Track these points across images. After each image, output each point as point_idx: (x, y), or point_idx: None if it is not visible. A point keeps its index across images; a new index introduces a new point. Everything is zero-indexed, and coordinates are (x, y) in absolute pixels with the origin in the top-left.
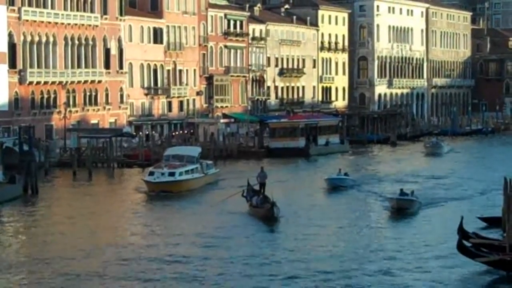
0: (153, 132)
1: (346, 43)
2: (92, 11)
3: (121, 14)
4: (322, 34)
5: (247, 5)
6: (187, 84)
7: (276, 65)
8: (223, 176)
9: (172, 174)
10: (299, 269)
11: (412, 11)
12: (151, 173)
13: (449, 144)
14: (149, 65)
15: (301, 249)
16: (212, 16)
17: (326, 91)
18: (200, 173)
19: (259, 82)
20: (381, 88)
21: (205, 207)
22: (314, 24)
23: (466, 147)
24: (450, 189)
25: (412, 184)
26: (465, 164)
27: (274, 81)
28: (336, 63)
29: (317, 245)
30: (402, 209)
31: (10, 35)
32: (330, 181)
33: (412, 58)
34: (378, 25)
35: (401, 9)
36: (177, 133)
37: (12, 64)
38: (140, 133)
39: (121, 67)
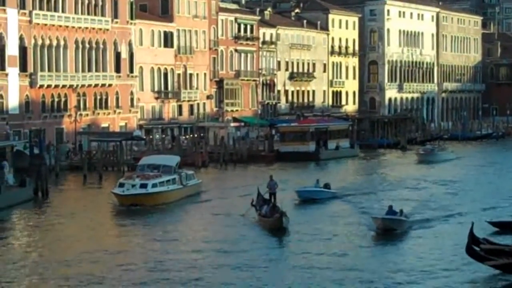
0: (181, 135)
1: (357, 47)
2: (103, 14)
3: (131, 18)
4: (333, 38)
5: (258, 9)
6: (197, 88)
7: (287, 69)
8: (209, 187)
9: (144, 185)
10: None
11: (422, 15)
12: (121, 185)
13: (454, 151)
14: (159, 69)
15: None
16: (222, 20)
17: (336, 95)
18: (178, 184)
19: (269, 86)
20: (391, 93)
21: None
22: (325, 28)
23: (475, 152)
24: (447, 201)
25: (407, 192)
26: (469, 171)
27: (284, 85)
28: (347, 67)
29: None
30: (389, 229)
31: (21, 39)
32: (300, 194)
33: (423, 63)
34: (388, 29)
35: (411, 14)
36: (186, 136)
37: (23, 68)
38: (164, 135)
39: (131, 70)
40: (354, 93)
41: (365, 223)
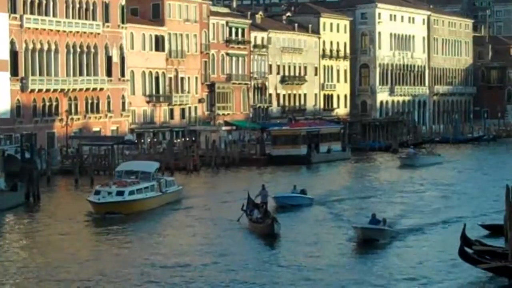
0: (177, 139)
1: (348, 51)
2: (94, 19)
3: (122, 22)
4: (324, 42)
5: (249, 13)
6: (189, 92)
7: (278, 73)
8: (198, 192)
9: (120, 193)
10: None
11: (413, 18)
12: (97, 192)
13: (441, 154)
14: (150, 73)
15: None
16: (214, 24)
17: (328, 98)
18: (156, 191)
19: (261, 89)
20: (382, 96)
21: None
22: (316, 31)
23: (465, 155)
24: (434, 206)
25: (393, 197)
26: (456, 175)
27: (276, 88)
28: (338, 71)
29: None
30: (370, 240)
31: (12, 43)
32: (277, 200)
33: (414, 66)
34: (379, 33)
35: (402, 17)
36: (178, 140)
37: (14, 72)
38: (156, 139)
39: (123, 74)
40: (345, 96)
41: (346, 232)
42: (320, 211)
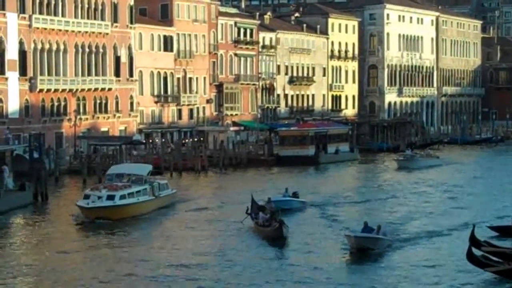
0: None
1: (356, 52)
2: (102, 19)
3: (131, 22)
4: (332, 43)
5: (257, 13)
6: (197, 92)
7: (286, 73)
8: (203, 192)
9: (111, 197)
10: None
11: (422, 19)
12: (86, 196)
13: (441, 157)
14: (159, 73)
15: None
16: (222, 24)
17: (336, 99)
18: (149, 195)
19: (269, 90)
20: (391, 97)
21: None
22: (324, 32)
23: (470, 157)
24: (432, 211)
25: (391, 201)
26: (454, 178)
27: (284, 89)
28: (346, 72)
29: None
30: (364, 249)
31: (20, 43)
32: None
33: (422, 67)
34: (388, 34)
35: (411, 18)
36: (186, 140)
37: (23, 72)
38: (164, 139)
39: (131, 75)
40: (353, 97)
41: (339, 239)
42: (318, 215)
